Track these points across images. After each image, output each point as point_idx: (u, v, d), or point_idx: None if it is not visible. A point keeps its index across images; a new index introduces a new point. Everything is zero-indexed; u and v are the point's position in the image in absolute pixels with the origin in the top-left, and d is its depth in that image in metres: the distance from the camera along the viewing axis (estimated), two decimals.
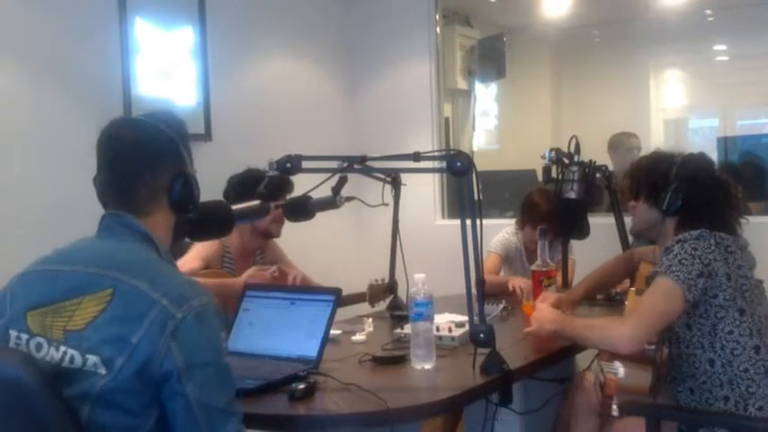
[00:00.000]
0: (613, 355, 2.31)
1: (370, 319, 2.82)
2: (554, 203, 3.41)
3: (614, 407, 2.24)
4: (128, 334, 1.41)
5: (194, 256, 2.92)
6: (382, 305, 3.13)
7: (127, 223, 1.57)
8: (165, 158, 1.60)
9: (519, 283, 3.33)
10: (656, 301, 2.17)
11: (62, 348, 1.44)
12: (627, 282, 3.03)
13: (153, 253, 1.58)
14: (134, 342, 1.41)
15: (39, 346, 1.47)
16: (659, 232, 2.35)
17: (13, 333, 1.50)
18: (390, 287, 3.08)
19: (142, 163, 1.58)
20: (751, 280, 2.23)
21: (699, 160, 2.37)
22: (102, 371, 1.41)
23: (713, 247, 2.16)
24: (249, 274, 2.93)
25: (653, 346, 2.31)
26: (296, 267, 3.26)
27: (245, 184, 3.01)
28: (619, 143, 4.82)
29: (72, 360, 1.43)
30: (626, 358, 2.36)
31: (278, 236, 3.16)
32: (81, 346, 1.43)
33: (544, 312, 2.43)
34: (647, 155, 2.46)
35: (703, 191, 2.28)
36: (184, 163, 1.62)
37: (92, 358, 1.42)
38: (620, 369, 2.22)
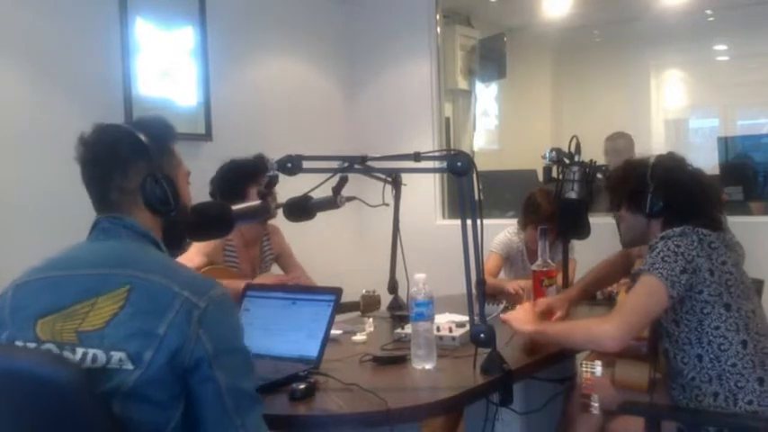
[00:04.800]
0: (602, 355, 2.32)
1: (371, 320, 2.82)
2: (556, 204, 3.41)
3: (594, 404, 2.26)
4: (153, 327, 1.42)
5: (195, 252, 2.92)
6: (381, 305, 3.13)
7: (127, 225, 1.59)
8: (134, 161, 1.60)
9: (517, 285, 3.33)
10: (638, 298, 2.19)
11: (79, 350, 1.44)
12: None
13: (158, 251, 1.61)
14: (161, 333, 1.42)
15: (48, 353, 1.46)
16: (647, 237, 2.36)
17: (19, 344, 1.49)
18: (392, 290, 3.10)
19: (110, 166, 1.60)
20: (737, 275, 2.24)
21: (669, 159, 2.40)
22: (129, 366, 1.41)
23: (696, 244, 2.18)
24: (262, 278, 2.94)
25: (644, 342, 2.32)
26: (299, 265, 3.27)
27: (225, 180, 3.02)
28: (608, 146, 4.83)
29: (95, 359, 1.43)
30: (622, 356, 2.37)
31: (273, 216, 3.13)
32: (103, 344, 1.43)
33: (523, 314, 2.40)
34: (620, 166, 2.50)
35: (680, 187, 2.31)
36: (157, 165, 1.61)
37: (116, 355, 1.42)
38: (597, 368, 2.25)
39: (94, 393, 1.39)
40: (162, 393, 1.43)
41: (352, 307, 3.01)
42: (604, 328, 2.16)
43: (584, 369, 2.28)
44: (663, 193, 2.30)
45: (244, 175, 3.01)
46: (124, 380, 1.41)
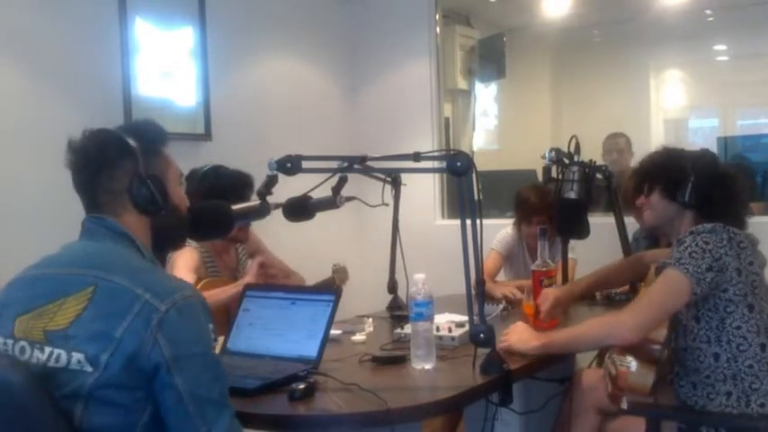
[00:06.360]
0: (625, 350, 2.29)
1: (371, 319, 2.82)
2: (545, 196, 3.43)
3: (624, 399, 2.23)
4: (111, 329, 1.43)
5: (184, 270, 2.85)
6: (381, 305, 3.14)
7: (108, 225, 1.60)
8: (120, 162, 1.61)
9: (506, 291, 3.29)
10: (659, 291, 2.19)
11: (47, 349, 1.46)
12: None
13: (134, 252, 1.60)
14: (117, 336, 1.42)
15: (22, 350, 1.48)
16: (674, 226, 2.35)
17: (0, 339, 1.52)
18: (392, 290, 3.11)
19: (96, 168, 1.61)
20: (762, 277, 2.25)
21: (710, 155, 2.42)
22: (88, 368, 1.42)
23: (725, 242, 2.17)
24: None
25: (658, 347, 2.30)
26: (273, 255, 3.25)
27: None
28: (609, 145, 4.83)
29: (58, 359, 1.45)
30: (633, 354, 2.34)
31: (246, 241, 3.12)
32: (67, 344, 1.44)
33: (522, 332, 2.35)
34: (659, 151, 2.45)
35: (719, 183, 2.31)
36: (143, 166, 1.61)
37: (76, 356, 1.43)
38: (632, 363, 2.21)
39: (50, 396, 1.40)
40: (123, 397, 1.43)
41: (329, 284, 3.08)
42: (621, 318, 2.17)
43: (618, 364, 2.24)
44: (703, 186, 2.28)
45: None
46: (83, 382, 1.42)
